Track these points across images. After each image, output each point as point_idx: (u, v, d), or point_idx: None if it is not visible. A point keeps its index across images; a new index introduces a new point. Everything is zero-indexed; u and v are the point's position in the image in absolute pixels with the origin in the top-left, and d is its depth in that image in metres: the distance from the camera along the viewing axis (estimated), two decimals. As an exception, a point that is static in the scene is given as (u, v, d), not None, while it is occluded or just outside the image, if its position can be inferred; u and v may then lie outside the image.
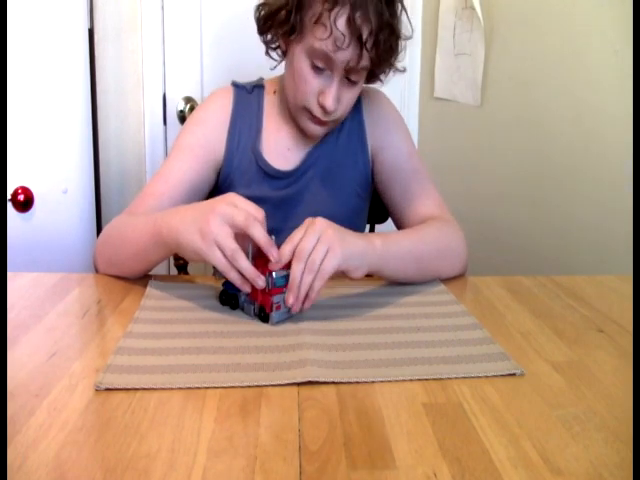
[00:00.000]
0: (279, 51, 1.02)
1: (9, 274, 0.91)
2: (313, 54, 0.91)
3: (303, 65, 0.94)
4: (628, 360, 0.68)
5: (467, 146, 1.69)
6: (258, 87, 1.11)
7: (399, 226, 1.08)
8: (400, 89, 1.85)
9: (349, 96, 0.97)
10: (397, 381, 0.61)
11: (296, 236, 0.76)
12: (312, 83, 0.94)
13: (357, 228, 1.11)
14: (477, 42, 1.58)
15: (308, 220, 0.78)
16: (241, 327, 0.74)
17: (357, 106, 1.09)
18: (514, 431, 0.52)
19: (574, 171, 1.31)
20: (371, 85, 1.11)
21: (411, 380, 0.61)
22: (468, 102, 1.65)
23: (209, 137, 1.05)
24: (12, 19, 1.36)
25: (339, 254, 0.74)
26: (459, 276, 0.96)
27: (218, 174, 1.07)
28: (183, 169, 1.01)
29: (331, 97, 0.93)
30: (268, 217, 1.04)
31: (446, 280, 0.93)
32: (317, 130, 1.01)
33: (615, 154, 1.20)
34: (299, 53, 0.94)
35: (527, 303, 0.85)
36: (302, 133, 1.06)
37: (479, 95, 1.60)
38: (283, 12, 0.92)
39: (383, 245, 0.82)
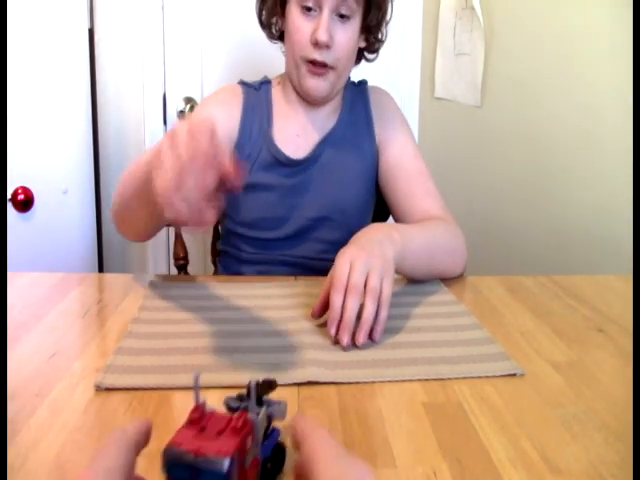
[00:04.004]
0: (280, 41, 1.08)
1: (9, 274, 0.91)
2: None
3: (295, 14, 0.99)
4: (628, 360, 0.68)
5: (467, 146, 1.69)
6: (265, 83, 1.14)
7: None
8: (400, 89, 1.85)
9: (343, 35, 0.99)
10: (397, 381, 0.61)
11: (342, 274, 0.71)
12: (305, 27, 0.98)
13: (364, 221, 1.12)
14: (477, 42, 1.58)
15: (346, 256, 0.73)
16: (241, 327, 0.74)
17: (365, 98, 1.13)
18: (514, 431, 0.52)
19: (574, 171, 1.31)
20: (377, 86, 1.16)
21: (411, 380, 0.61)
22: (468, 102, 1.65)
23: (224, 117, 1.06)
24: (12, 19, 1.36)
25: (392, 275, 0.74)
26: (459, 276, 0.97)
27: None
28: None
29: (322, 28, 0.96)
30: (276, 205, 1.06)
31: (446, 280, 0.93)
32: (318, 84, 1.01)
33: (615, 154, 1.20)
34: (290, 9, 1.00)
35: (527, 303, 0.85)
36: (307, 105, 1.09)
37: (479, 95, 1.60)
38: None
39: (402, 242, 0.81)
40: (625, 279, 0.97)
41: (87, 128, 1.54)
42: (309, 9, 0.97)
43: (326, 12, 0.96)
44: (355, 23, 1.00)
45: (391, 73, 1.83)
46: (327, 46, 0.97)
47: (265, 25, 1.08)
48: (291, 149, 1.07)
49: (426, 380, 0.61)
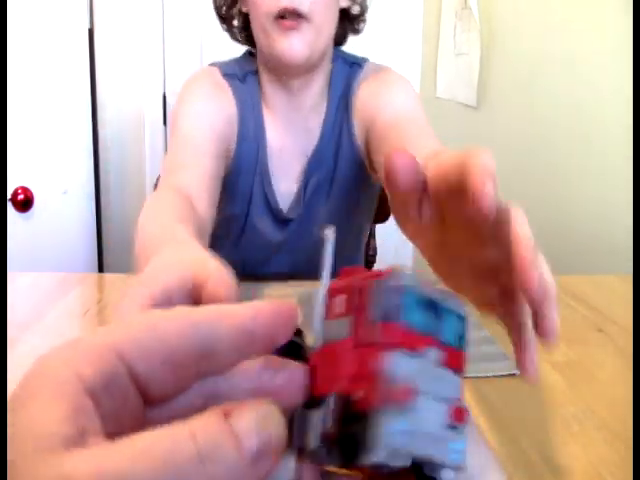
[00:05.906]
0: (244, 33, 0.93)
1: (9, 274, 0.91)
2: None
3: None
4: (628, 360, 0.68)
5: (467, 146, 1.69)
6: (250, 74, 0.94)
7: None
8: (400, 89, 1.85)
9: None
10: (397, 381, 0.61)
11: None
12: None
13: (362, 224, 1.08)
14: (474, 42, 1.58)
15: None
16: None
17: (349, 95, 0.94)
18: (513, 430, 0.52)
19: (573, 171, 1.31)
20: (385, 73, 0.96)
21: (411, 380, 0.61)
22: (468, 102, 1.65)
23: (218, 115, 0.89)
24: (12, 19, 1.36)
25: None
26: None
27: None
28: (203, 129, 0.86)
29: None
30: (263, 244, 0.97)
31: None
32: (292, 43, 0.81)
33: (615, 154, 1.20)
34: None
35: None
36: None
37: (478, 95, 1.60)
38: None
39: None
40: (625, 279, 0.97)
41: (87, 128, 1.54)
42: None
43: None
44: None
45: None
46: None
47: (227, 18, 0.93)
48: (284, 185, 0.95)
49: (426, 380, 0.61)
